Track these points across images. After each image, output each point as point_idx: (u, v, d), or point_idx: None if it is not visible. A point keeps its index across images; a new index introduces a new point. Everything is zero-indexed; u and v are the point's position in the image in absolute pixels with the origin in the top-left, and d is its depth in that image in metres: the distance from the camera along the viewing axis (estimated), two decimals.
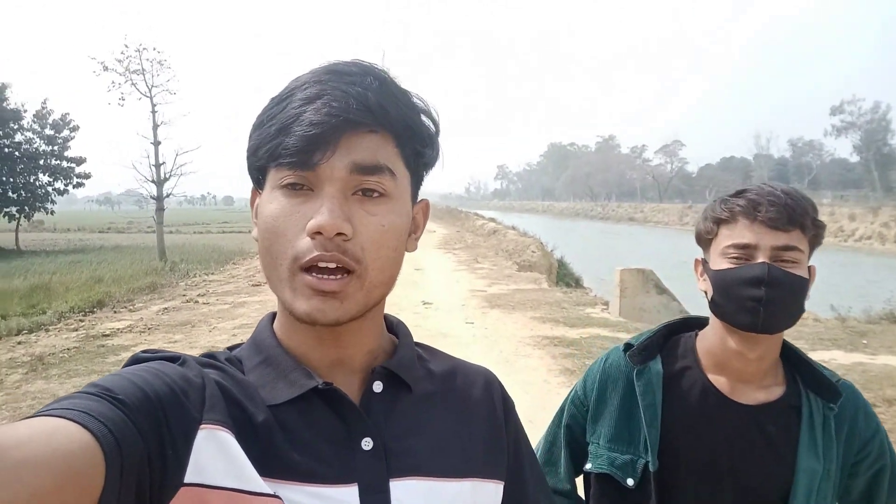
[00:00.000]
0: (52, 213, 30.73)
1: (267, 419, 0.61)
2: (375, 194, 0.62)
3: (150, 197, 20.78)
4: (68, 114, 29.52)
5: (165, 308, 10.95)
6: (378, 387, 0.68)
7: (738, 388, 1.12)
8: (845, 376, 4.78)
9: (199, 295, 12.41)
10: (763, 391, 1.12)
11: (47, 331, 9.16)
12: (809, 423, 1.09)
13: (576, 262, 20.15)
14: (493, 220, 38.06)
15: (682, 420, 1.13)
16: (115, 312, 10.75)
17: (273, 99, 0.64)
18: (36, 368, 6.84)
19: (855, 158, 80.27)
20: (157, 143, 20.43)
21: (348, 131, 0.60)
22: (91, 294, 12.00)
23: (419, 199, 0.73)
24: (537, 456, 1.08)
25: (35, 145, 28.30)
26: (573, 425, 1.26)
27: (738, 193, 1.07)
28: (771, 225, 1.02)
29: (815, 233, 1.06)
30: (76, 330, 9.12)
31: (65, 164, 29.41)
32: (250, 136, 0.65)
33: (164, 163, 20.52)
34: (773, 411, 1.10)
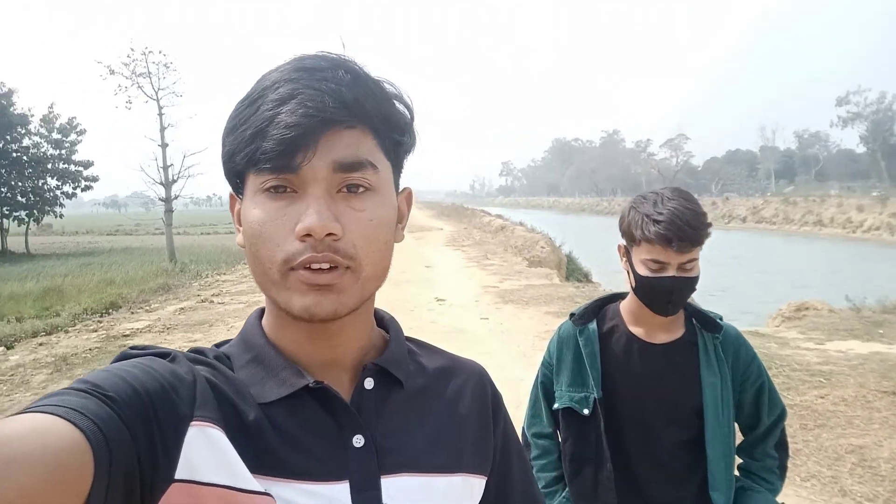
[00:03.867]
0: (61, 216, 30.88)
1: (258, 417, 0.61)
2: (360, 189, 0.62)
3: (159, 199, 20.84)
4: (75, 118, 29.63)
5: (181, 308, 11.02)
6: (369, 384, 0.68)
7: (651, 334, 1.51)
8: (863, 365, 4.86)
9: (213, 295, 12.49)
10: (669, 333, 1.51)
11: (66, 332, 9.26)
12: (705, 350, 1.49)
13: (584, 258, 20.15)
14: (500, 216, 38.05)
15: (615, 361, 1.53)
16: (132, 313, 10.84)
17: (243, 100, 0.62)
18: (60, 369, 6.93)
19: (862, 149, 79.85)
20: (164, 146, 20.51)
21: (326, 130, 0.59)
22: (104, 296, 12.11)
23: (402, 187, 0.72)
24: (526, 413, 1.69)
25: (42, 149, 28.40)
26: (545, 381, 1.65)
27: (654, 220, 1.37)
28: (678, 250, 1.36)
29: (706, 239, 1.41)
30: (96, 331, 9.21)
31: (72, 167, 29.52)
32: (224, 141, 0.63)
33: (171, 165, 20.61)
34: (677, 346, 1.50)
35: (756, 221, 55.43)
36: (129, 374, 0.54)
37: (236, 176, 0.64)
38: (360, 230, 0.61)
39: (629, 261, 1.47)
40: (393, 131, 0.65)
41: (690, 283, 1.41)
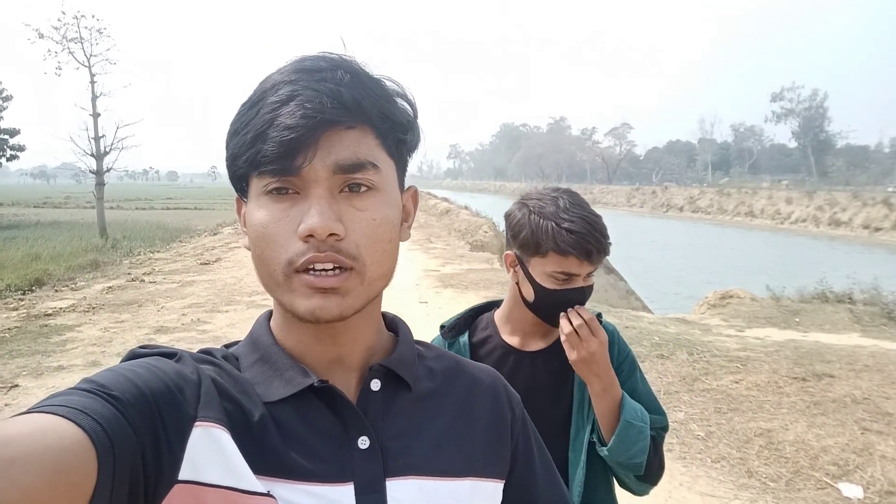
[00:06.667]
0: None
1: (263, 417, 0.61)
2: (362, 189, 0.61)
3: (89, 171, 19.89)
4: (0, 82, 28.06)
5: (110, 287, 10.63)
6: (376, 385, 0.68)
7: (526, 342, 1.44)
8: (778, 352, 5.05)
9: (144, 273, 12.09)
10: (546, 339, 1.44)
11: None
12: None
13: None
14: (445, 199, 38.13)
15: None
16: (56, 291, 10.39)
17: (244, 104, 0.62)
18: None
19: (793, 144, 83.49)
20: (96, 115, 19.57)
21: (325, 131, 0.59)
22: (28, 272, 11.53)
23: (407, 185, 0.72)
24: None
25: None
26: None
27: (568, 230, 1.28)
28: (593, 261, 1.31)
29: None
30: (16, 309, 8.78)
31: None
32: (227, 145, 0.63)
33: (104, 136, 19.71)
34: (553, 352, 1.42)
35: (692, 211, 57.36)
36: (134, 374, 0.54)
37: (240, 179, 0.64)
38: (363, 230, 0.61)
39: (525, 272, 1.36)
40: (395, 130, 0.65)
41: (590, 292, 1.36)
